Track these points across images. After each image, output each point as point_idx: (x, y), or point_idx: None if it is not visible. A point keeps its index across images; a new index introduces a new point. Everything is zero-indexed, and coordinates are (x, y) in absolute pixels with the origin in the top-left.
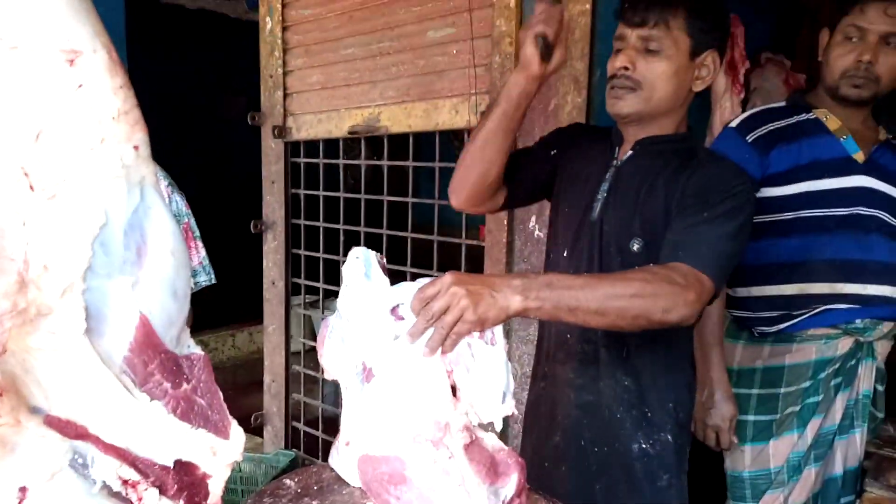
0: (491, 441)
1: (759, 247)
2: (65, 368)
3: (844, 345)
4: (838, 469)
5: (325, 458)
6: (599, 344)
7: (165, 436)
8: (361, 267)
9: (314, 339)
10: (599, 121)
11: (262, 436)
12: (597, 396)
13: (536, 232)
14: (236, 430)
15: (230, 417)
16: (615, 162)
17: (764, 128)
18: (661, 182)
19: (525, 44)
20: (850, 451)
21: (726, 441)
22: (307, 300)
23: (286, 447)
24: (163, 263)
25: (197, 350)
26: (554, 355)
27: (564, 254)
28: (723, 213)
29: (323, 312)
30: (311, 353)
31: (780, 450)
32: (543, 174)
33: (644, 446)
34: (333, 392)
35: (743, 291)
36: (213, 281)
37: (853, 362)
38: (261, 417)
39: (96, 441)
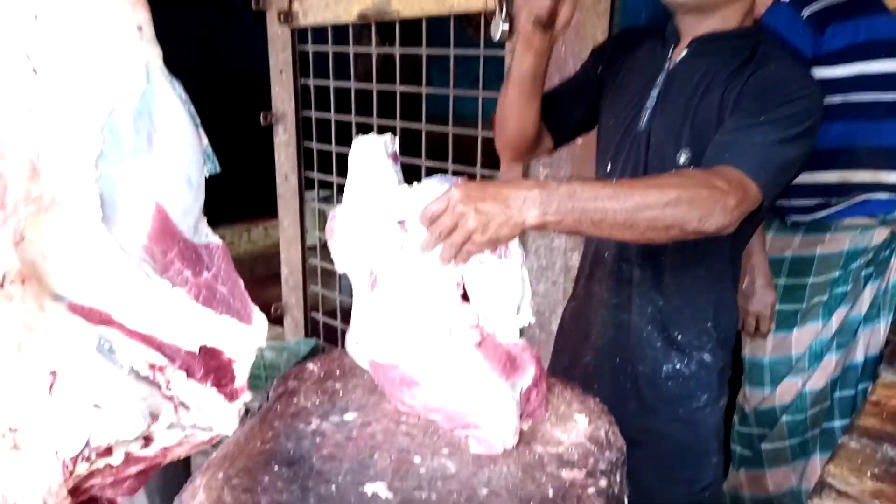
0: (505, 336)
1: None
2: (84, 256)
3: (880, 235)
4: (859, 357)
5: (345, 347)
6: (634, 263)
7: (189, 322)
8: (366, 161)
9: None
10: (622, 22)
11: (282, 326)
12: (630, 315)
13: None
14: (258, 317)
15: (252, 304)
16: (668, 64)
17: (820, 3)
18: (717, 85)
19: (520, 19)
20: (872, 339)
21: (766, 327)
22: (321, 195)
23: (306, 337)
24: (175, 150)
25: (215, 239)
26: (591, 273)
27: (608, 169)
28: (783, 118)
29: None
30: (327, 246)
31: (803, 338)
32: (591, 99)
33: (678, 366)
34: (350, 284)
35: None
36: (217, 170)
37: (887, 253)
38: (280, 308)
39: (121, 327)
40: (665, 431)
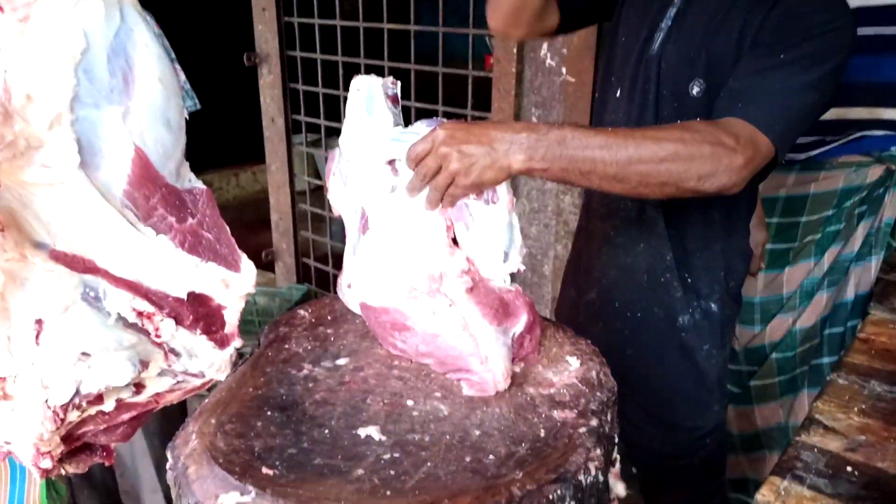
0: (498, 282)
1: None
2: (64, 203)
3: (874, 173)
4: (850, 294)
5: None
6: (645, 201)
7: (175, 269)
8: (363, 101)
9: (318, 177)
10: None
11: (274, 271)
12: (635, 258)
13: (548, 61)
14: (247, 264)
15: (240, 251)
16: None
17: None
18: (740, 11)
19: None
20: (863, 277)
21: (756, 266)
22: (309, 138)
23: (298, 283)
24: (152, 91)
25: (199, 184)
26: (596, 208)
27: (616, 95)
28: (805, 56)
29: (325, 150)
30: (317, 191)
31: (795, 276)
32: None
33: (683, 315)
34: (341, 230)
35: None
36: (198, 106)
37: (881, 191)
38: (271, 254)
39: (106, 275)
40: (665, 379)
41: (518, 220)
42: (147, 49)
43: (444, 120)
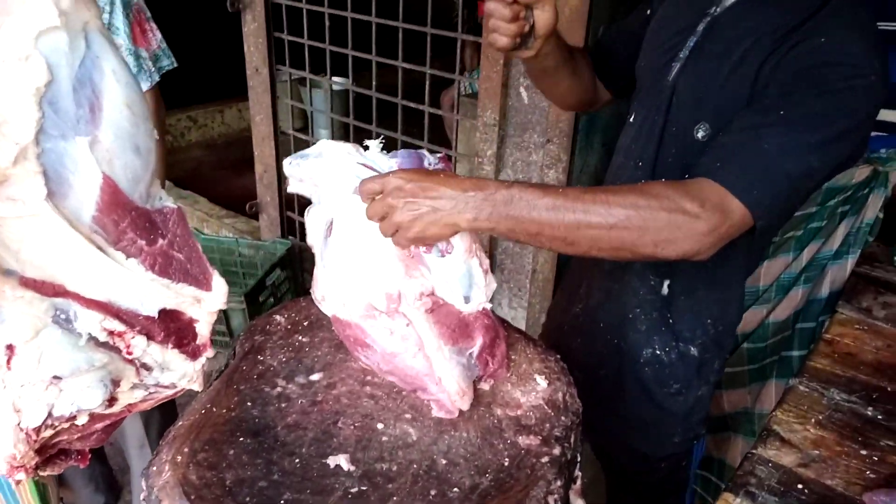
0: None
1: None
2: (32, 232)
3: (861, 173)
4: (825, 291)
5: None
6: None
7: (147, 290)
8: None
9: (304, 129)
10: None
11: (258, 220)
12: (621, 286)
13: None
14: (218, 281)
15: (211, 269)
16: (713, 9)
17: None
18: (758, 53)
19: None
20: (839, 275)
21: None
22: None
23: (282, 236)
24: (120, 118)
25: (169, 203)
26: None
27: (631, 119)
28: (811, 115)
29: (312, 103)
30: (302, 144)
31: (772, 270)
32: (641, 42)
33: (658, 352)
34: None
35: None
36: (175, 64)
37: (865, 191)
38: (255, 206)
39: (76, 297)
40: (625, 405)
41: (481, 262)
42: (114, 76)
43: (424, 153)
